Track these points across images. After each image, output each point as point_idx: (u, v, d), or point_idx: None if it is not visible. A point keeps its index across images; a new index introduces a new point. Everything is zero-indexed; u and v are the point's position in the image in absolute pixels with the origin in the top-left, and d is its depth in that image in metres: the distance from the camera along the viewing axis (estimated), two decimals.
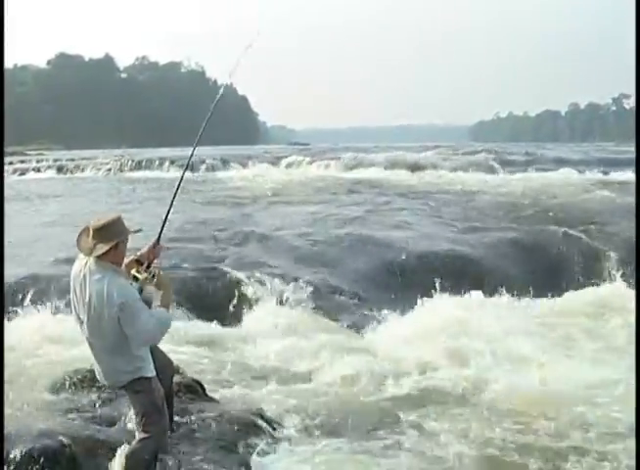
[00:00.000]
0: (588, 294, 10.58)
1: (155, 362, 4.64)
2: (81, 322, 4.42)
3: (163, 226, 4.93)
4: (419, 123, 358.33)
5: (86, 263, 4.38)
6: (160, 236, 4.85)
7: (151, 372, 4.55)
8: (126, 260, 4.61)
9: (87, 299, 4.30)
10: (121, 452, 4.67)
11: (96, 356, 4.50)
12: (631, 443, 5.13)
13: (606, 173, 28.32)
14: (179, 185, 5.22)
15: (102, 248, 4.29)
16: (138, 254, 4.73)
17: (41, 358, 6.89)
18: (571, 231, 13.47)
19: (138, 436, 4.55)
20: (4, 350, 5.35)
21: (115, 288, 4.26)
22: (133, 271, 4.58)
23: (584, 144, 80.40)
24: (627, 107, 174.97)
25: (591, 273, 11.64)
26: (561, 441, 5.66)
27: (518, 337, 8.10)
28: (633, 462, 4.82)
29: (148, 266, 4.64)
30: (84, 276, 4.36)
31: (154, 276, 4.57)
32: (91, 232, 4.34)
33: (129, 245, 4.53)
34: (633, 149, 43.32)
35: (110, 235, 4.33)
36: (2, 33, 6.78)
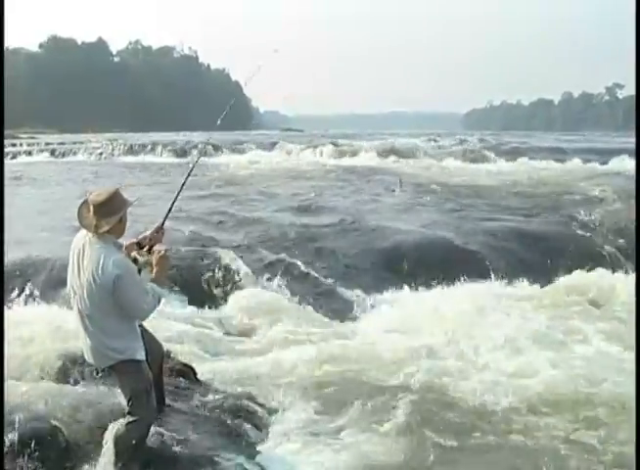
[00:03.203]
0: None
1: (144, 345, 4.65)
2: (74, 293, 4.42)
3: (169, 212, 4.99)
4: (412, 111, 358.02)
5: (87, 235, 4.40)
6: (164, 221, 4.90)
7: (141, 355, 4.55)
8: (127, 242, 4.67)
9: (85, 268, 4.31)
10: (111, 430, 4.67)
11: (87, 331, 4.43)
12: None
13: (591, 161, 28.51)
14: (186, 180, 5.25)
15: (107, 224, 4.30)
16: (140, 237, 4.79)
17: (34, 344, 6.86)
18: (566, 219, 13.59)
19: (126, 419, 4.56)
20: (4, 346, 5.33)
21: (112, 260, 4.27)
22: (133, 254, 4.64)
23: (579, 133, 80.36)
24: (620, 96, 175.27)
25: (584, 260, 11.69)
26: None
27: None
28: None
29: (149, 250, 4.69)
30: (84, 247, 4.37)
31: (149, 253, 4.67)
32: (92, 208, 4.32)
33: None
34: (624, 139, 43.63)
35: (112, 210, 4.32)
36: (2, 20, 6.69)
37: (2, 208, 6.76)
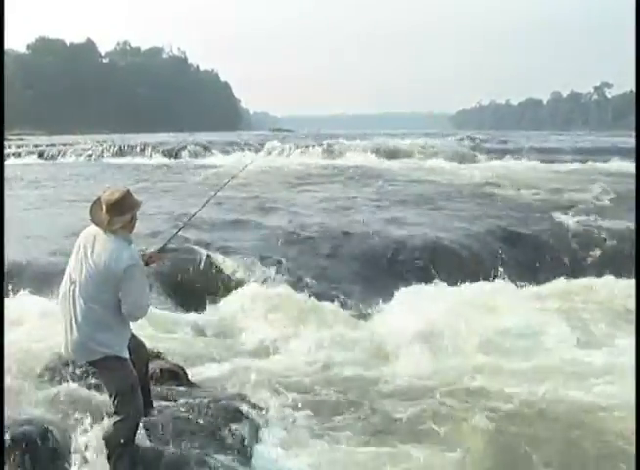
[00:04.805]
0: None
1: (128, 345, 4.64)
2: (72, 283, 4.43)
3: (172, 237, 5.20)
4: (401, 111, 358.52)
5: (99, 230, 4.51)
6: (166, 245, 5.09)
7: (126, 354, 4.55)
8: None
9: (95, 258, 4.40)
10: (96, 430, 4.67)
11: (76, 323, 4.40)
12: None
13: (584, 162, 28.56)
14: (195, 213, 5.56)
15: (119, 222, 4.46)
16: (140, 253, 4.85)
17: (21, 343, 6.83)
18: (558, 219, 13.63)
19: (112, 418, 4.54)
20: (4, 346, 5.30)
21: (128, 251, 4.45)
22: None
23: (570, 133, 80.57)
24: (609, 96, 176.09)
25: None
26: None
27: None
28: None
29: (145, 266, 4.79)
30: (95, 240, 4.48)
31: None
32: (104, 206, 4.46)
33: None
34: (613, 139, 43.81)
35: (124, 209, 4.48)
36: (2, 21, 6.63)
37: (2, 208, 6.76)
